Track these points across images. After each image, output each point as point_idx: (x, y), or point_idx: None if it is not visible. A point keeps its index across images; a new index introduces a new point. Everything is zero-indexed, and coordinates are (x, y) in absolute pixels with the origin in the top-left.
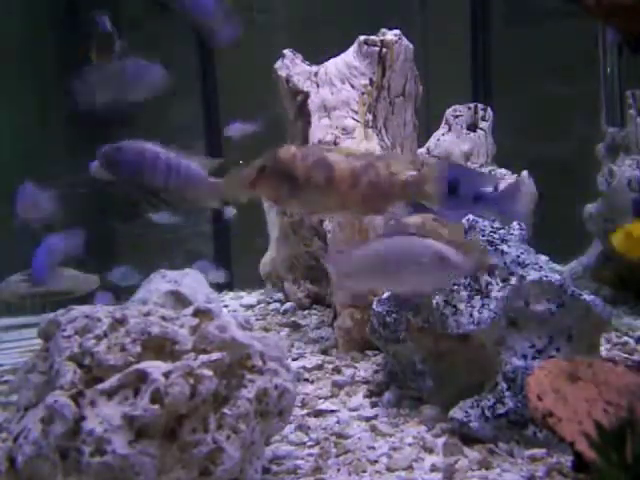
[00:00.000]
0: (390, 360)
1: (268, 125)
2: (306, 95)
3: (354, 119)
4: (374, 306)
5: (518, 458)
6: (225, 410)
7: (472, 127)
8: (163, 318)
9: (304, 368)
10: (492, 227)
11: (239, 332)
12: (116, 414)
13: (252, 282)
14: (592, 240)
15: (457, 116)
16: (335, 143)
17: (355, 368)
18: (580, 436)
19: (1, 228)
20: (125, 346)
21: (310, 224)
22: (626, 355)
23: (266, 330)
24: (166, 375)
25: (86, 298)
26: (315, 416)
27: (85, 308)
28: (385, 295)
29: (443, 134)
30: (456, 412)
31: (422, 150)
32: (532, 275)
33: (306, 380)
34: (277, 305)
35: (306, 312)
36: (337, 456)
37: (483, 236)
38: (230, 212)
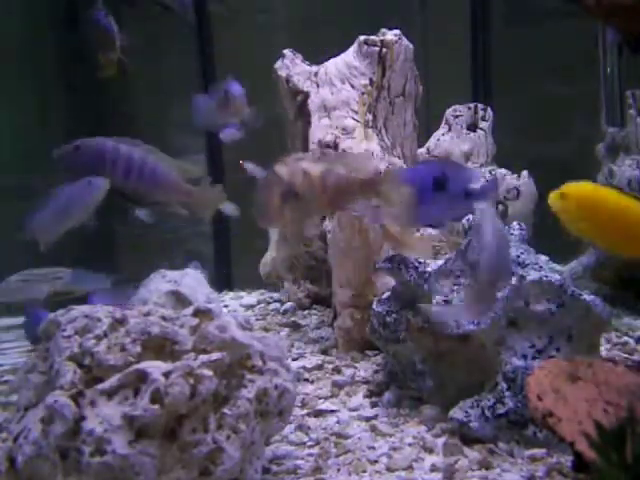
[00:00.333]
0: (390, 360)
1: (267, 125)
2: (306, 95)
3: (354, 119)
4: (374, 306)
5: (518, 458)
6: (225, 410)
7: (472, 127)
8: (163, 318)
9: (304, 368)
10: None
11: (239, 332)
12: (116, 414)
13: (252, 282)
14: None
15: (457, 116)
16: (335, 143)
17: (355, 368)
18: (580, 436)
19: (1, 228)
20: (125, 346)
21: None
22: (626, 355)
23: (266, 330)
24: (166, 375)
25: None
26: (315, 416)
27: (85, 308)
28: (385, 295)
29: (443, 134)
30: (456, 412)
31: (422, 150)
32: (532, 275)
33: (306, 380)
34: (277, 305)
35: (306, 312)
36: (337, 456)
37: None
38: (232, 210)
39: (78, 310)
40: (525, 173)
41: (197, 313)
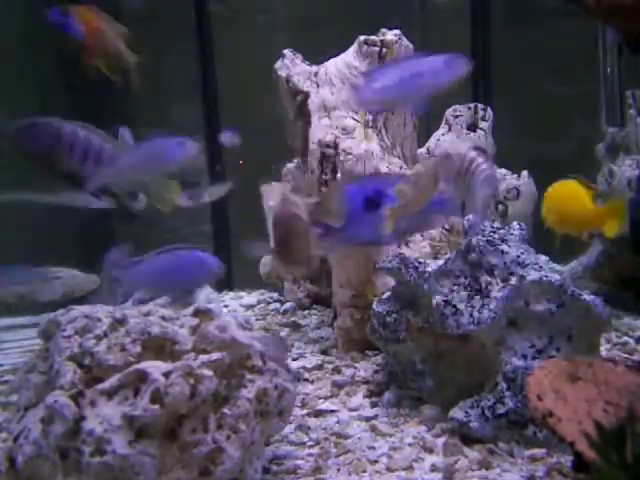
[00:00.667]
0: (390, 360)
1: (267, 125)
2: (306, 95)
3: (354, 119)
4: (374, 306)
5: (518, 458)
6: (225, 410)
7: (472, 127)
8: (163, 318)
9: (304, 368)
10: (492, 227)
11: (239, 332)
12: (116, 414)
13: (252, 282)
14: (592, 240)
15: (457, 116)
16: (335, 143)
17: (355, 368)
18: (580, 436)
19: (1, 227)
20: (125, 346)
21: None
22: (626, 355)
23: (266, 330)
24: (166, 375)
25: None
26: (315, 416)
27: (85, 308)
28: (385, 295)
29: (443, 134)
30: (456, 412)
31: (422, 150)
32: (532, 275)
33: (306, 380)
34: (277, 305)
35: (306, 312)
36: (337, 456)
37: (483, 236)
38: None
39: (78, 310)
40: (525, 173)
41: (197, 313)
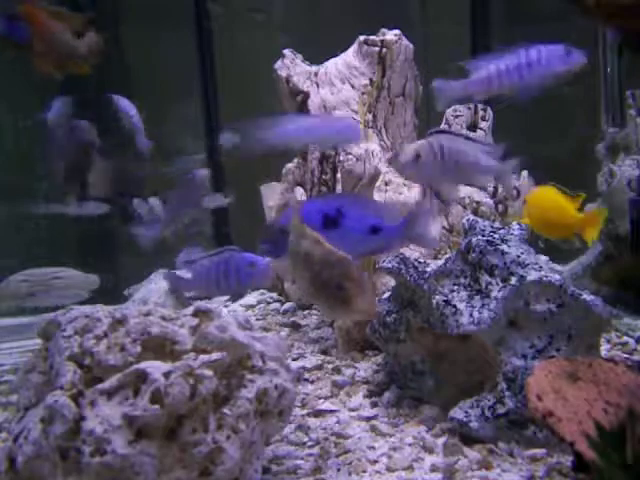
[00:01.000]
0: (390, 360)
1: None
2: (306, 95)
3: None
4: None
5: (518, 458)
6: (225, 410)
7: (472, 127)
8: (163, 318)
9: (304, 368)
10: (492, 227)
11: (239, 332)
12: (116, 414)
13: None
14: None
15: (457, 116)
16: None
17: (355, 368)
18: (580, 436)
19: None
20: (125, 346)
21: None
22: (626, 355)
23: (266, 330)
24: (166, 375)
25: None
26: (315, 416)
27: (85, 308)
28: (385, 295)
29: None
30: (456, 412)
31: None
32: (532, 275)
33: (306, 380)
34: (277, 305)
35: (306, 312)
36: (337, 456)
37: (483, 236)
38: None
39: (78, 310)
40: (525, 173)
41: (197, 313)
